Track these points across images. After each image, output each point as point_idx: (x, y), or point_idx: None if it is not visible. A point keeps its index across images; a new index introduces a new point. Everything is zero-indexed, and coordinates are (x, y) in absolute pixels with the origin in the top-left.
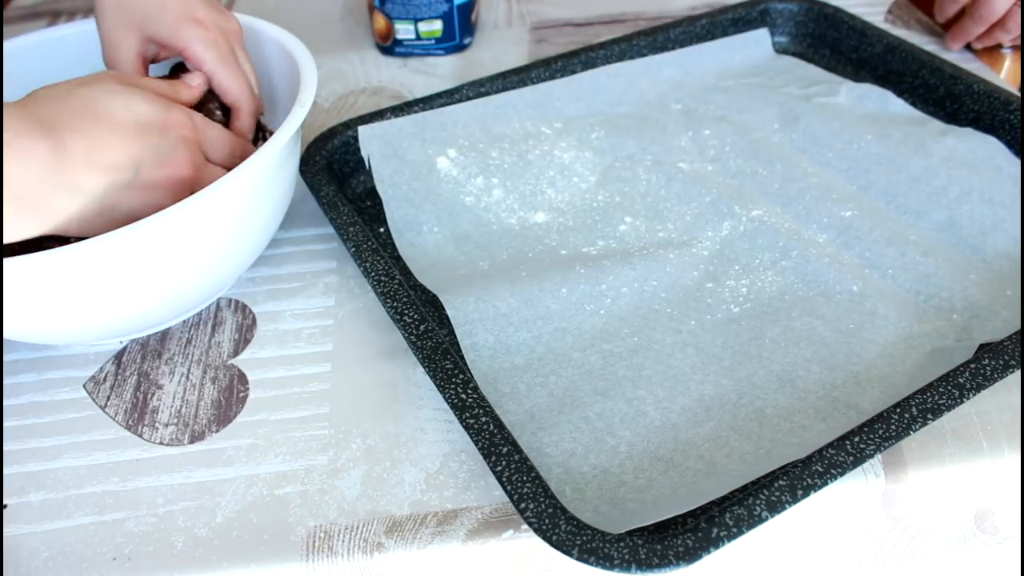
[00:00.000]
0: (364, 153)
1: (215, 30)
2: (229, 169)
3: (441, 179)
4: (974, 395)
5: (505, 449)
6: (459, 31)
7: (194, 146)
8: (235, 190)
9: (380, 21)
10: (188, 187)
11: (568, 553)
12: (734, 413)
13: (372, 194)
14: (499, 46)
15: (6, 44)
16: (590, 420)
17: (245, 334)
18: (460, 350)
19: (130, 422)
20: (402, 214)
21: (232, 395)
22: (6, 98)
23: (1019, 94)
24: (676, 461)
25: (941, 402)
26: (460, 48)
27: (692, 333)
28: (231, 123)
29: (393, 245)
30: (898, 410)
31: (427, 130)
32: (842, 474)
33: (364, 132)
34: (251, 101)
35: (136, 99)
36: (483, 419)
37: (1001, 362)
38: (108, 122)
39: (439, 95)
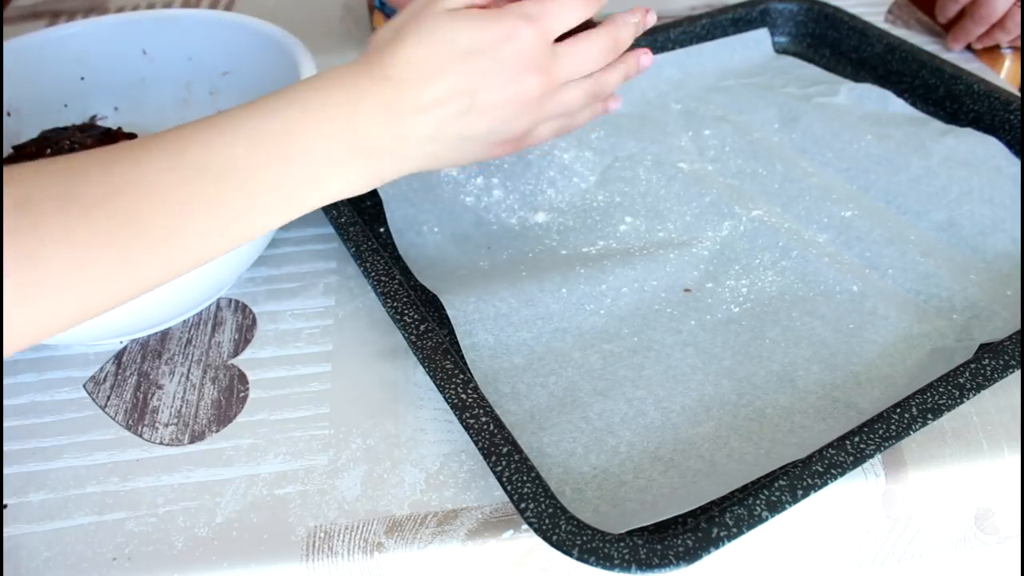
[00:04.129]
0: None
1: None
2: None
3: (441, 179)
4: (974, 395)
5: (505, 449)
6: None
7: (534, 46)
8: None
9: (380, 21)
10: (540, 93)
11: (568, 553)
12: (734, 413)
13: (372, 194)
14: None
15: (6, 44)
16: (590, 420)
17: (245, 334)
18: (460, 350)
19: (130, 422)
20: (402, 214)
21: (232, 395)
22: (6, 95)
23: (1019, 94)
24: (676, 461)
25: (941, 402)
26: None
27: (692, 333)
28: None
29: (393, 245)
30: (898, 410)
31: None
32: (842, 474)
33: None
34: None
35: (460, 21)
36: (483, 419)
37: (1001, 362)
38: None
39: None
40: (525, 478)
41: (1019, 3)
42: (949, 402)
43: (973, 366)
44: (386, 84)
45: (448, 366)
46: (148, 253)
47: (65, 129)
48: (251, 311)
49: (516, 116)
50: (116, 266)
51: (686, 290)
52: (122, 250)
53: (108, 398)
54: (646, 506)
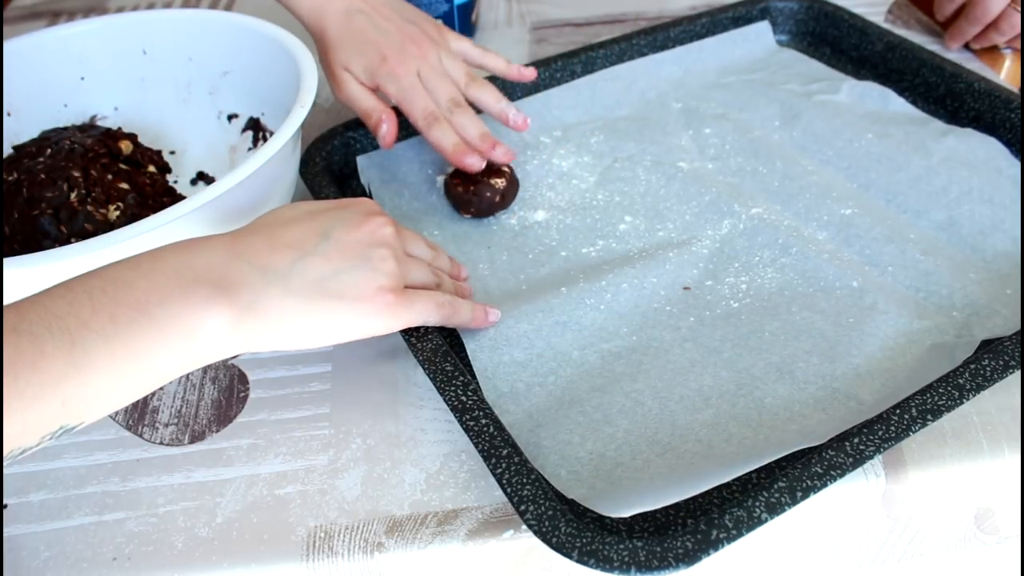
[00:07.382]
0: (364, 181)
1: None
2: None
3: (440, 196)
4: (974, 395)
5: (505, 451)
6: (459, 31)
7: (389, 225)
8: (235, 191)
9: None
10: (392, 237)
11: (568, 555)
12: (733, 402)
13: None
14: (499, 46)
15: (6, 44)
16: (587, 413)
17: None
18: (460, 352)
19: (130, 422)
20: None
21: (232, 395)
22: (6, 95)
23: (1019, 93)
24: (674, 444)
25: (941, 403)
26: None
27: (691, 329)
28: None
29: None
30: (898, 411)
31: (425, 152)
32: (841, 475)
33: (362, 161)
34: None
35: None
36: (483, 421)
37: (1001, 362)
38: (284, 223)
39: None
40: (525, 480)
41: (1016, 5)
42: (949, 402)
43: (973, 366)
44: (232, 234)
45: (448, 368)
46: None
47: (65, 129)
48: None
49: (373, 258)
50: None
51: (685, 288)
52: None
53: None
54: (642, 484)
